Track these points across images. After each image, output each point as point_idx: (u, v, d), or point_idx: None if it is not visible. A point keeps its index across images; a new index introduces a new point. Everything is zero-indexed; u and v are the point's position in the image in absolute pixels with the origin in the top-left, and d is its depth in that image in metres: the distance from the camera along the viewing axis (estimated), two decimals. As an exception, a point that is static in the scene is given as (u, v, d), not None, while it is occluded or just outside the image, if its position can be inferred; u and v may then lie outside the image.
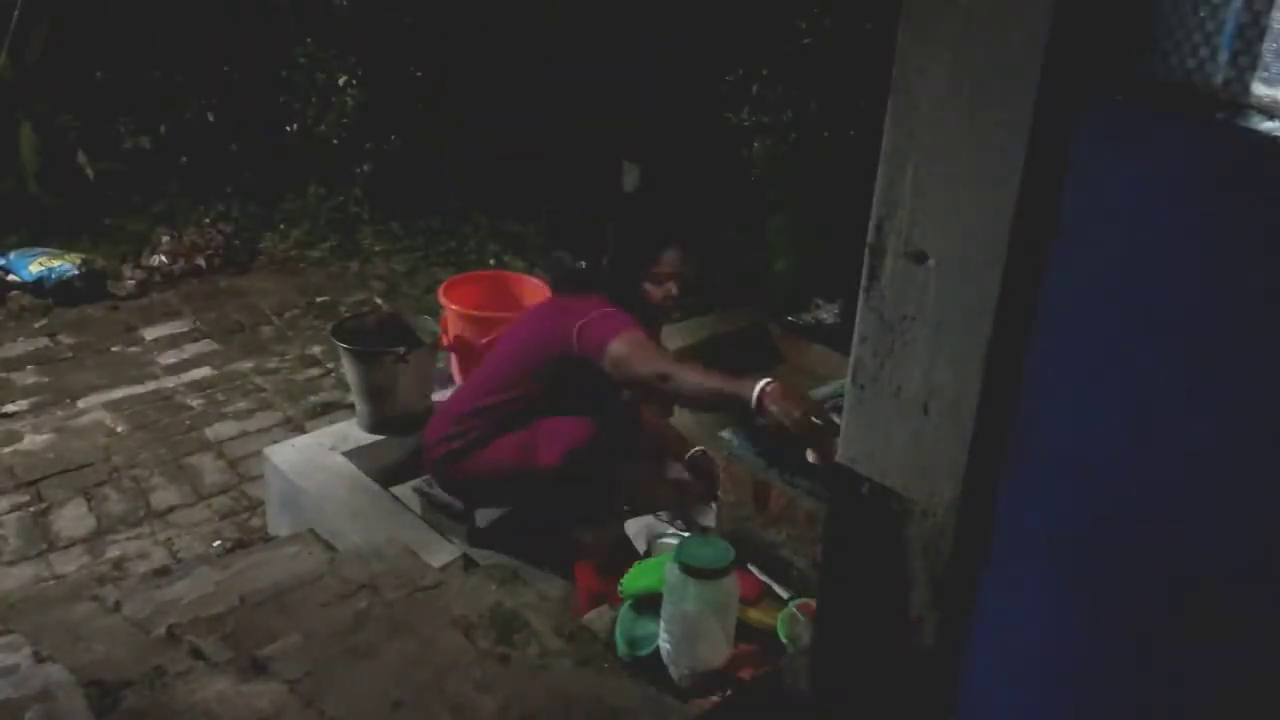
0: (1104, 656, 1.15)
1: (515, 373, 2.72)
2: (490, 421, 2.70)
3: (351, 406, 3.32)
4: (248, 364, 4.17)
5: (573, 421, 2.62)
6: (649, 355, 2.51)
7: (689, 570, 2.13)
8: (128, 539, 3.06)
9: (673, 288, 2.70)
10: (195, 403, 3.85)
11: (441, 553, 2.61)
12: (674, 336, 3.89)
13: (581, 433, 2.61)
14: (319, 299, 4.81)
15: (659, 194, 2.64)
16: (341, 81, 5.40)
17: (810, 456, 2.26)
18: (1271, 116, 0.96)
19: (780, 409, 2.25)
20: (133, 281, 4.76)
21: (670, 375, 2.45)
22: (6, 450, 3.47)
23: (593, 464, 2.62)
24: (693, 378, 2.46)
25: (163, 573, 2.61)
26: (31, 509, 3.17)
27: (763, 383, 2.30)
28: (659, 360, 2.52)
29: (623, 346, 2.48)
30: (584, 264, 2.78)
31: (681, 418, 3.26)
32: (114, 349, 4.25)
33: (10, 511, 3.15)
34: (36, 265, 4.60)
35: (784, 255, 4.06)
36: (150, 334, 4.39)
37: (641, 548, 2.66)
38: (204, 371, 4.09)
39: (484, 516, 2.87)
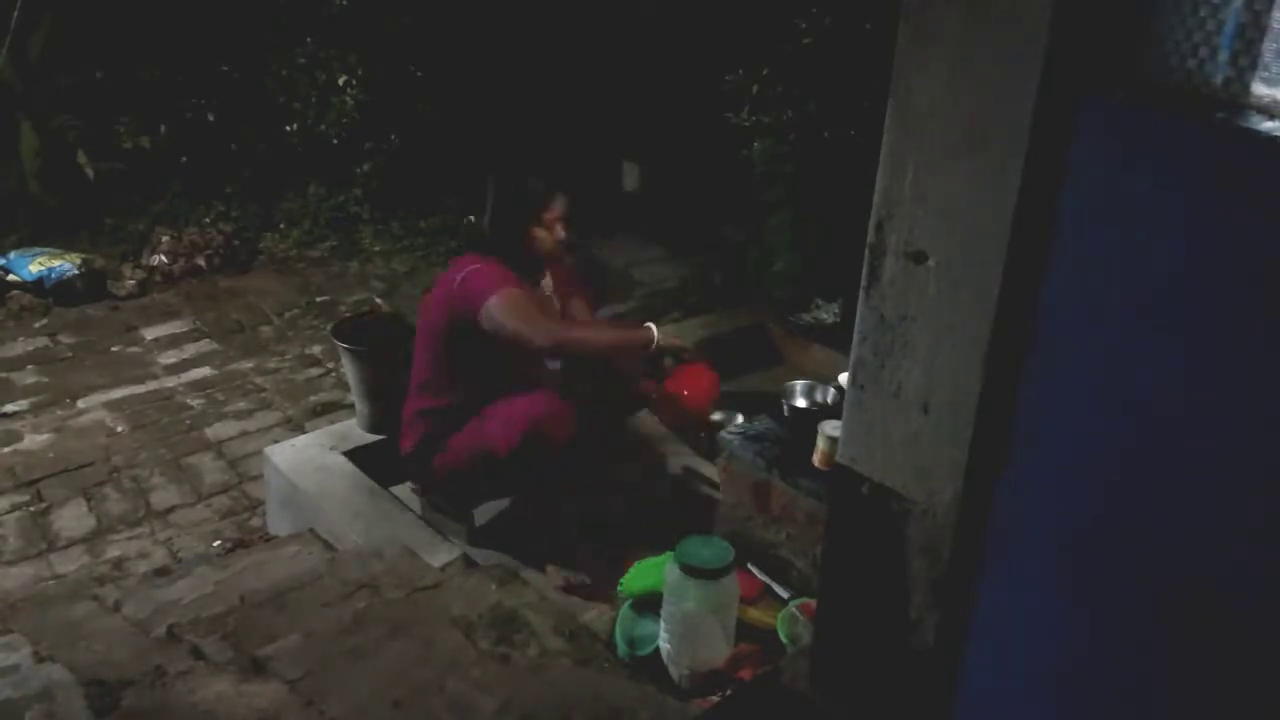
0: (1103, 656, 1.15)
1: (439, 368, 2.70)
2: (438, 424, 2.69)
3: (351, 406, 3.32)
4: (248, 364, 4.17)
5: (521, 399, 2.56)
6: (533, 319, 2.55)
7: (689, 570, 2.13)
8: (128, 539, 3.06)
9: (561, 230, 2.73)
10: (195, 403, 3.85)
11: (441, 553, 2.61)
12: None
13: (534, 408, 2.52)
14: (319, 299, 4.81)
15: (533, 140, 2.69)
16: (341, 81, 5.40)
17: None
18: (1271, 116, 0.96)
19: (669, 343, 2.71)
20: (133, 281, 4.76)
21: (565, 341, 2.61)
22: (6, 450, 3.47)
23: (558, 433, 2.52)
24: (588, 335, 2.73)
25: (163, 573, 2.61)
26: (31, 509, 3.17)
27: (651, 325, 2.71)
28: (546, 324, 2.59)
29: (496, 307, 2.51)
30: (471, 219, 2.74)
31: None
32: (114, 349, 4.26)
33: (10, 511, 3.15)
34: (36, 265, 4.60)
35: (784, 255, 4.05)
36: (150, 334, 4.39)
37: None
38: (204, 371, 4.09)
39: (483, 515, 2.87)
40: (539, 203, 2.71)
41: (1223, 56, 0.98)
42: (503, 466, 2.58)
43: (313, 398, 3.90)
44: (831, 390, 2.79)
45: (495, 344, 2.55)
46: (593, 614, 2.44)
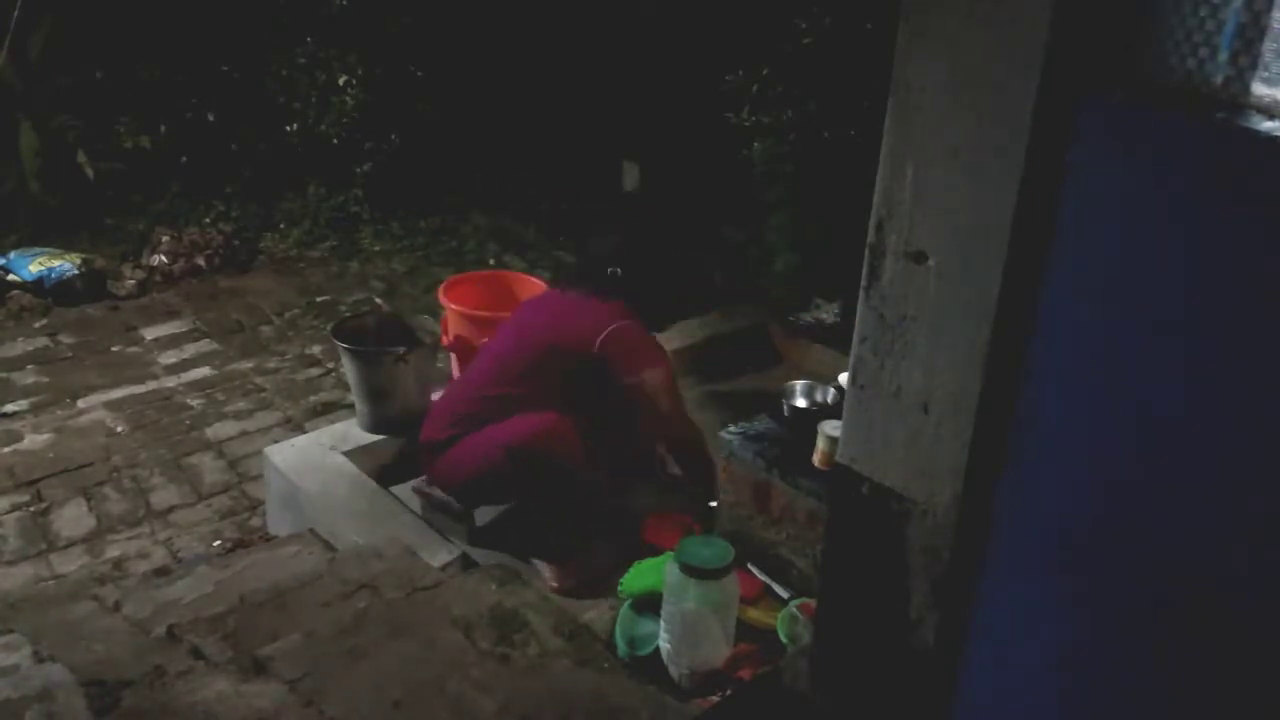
0: (1103, 656, 1.15)
1: (520, 368, 2.73)
2: (492, 412, 2.70)
3: (351, 406, 3.32)
4: (248, 364, 4.17)
5: (529, 417, 2.62)
6: (676, 397, 2.79)
7: (689, 570, 2.13)
8: (128, 539, 3.06)
9: None
10: (195, 403, 3.85)
11: (441, 553, 2.61)
12: (674, 336, 3.89)
13: (549, 422, 2.60)
14: (319, 299, 4.81)
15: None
16: (341, 81, 5.40)
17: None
18: (1271, 116, 0.96)
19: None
20: (133, 281, 4.76)
21: (687, 429, 2.84)
22: (6, 450, 3.47)
23: (558, 450, 2.60)
24: (693, 431, 2.87)
25: (163, 573, 2.61)
26: (31, 509, 3.17)
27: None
28: (681, 406, 2.84)
29: (658, 379, 2.71)
30: (617, 271, 2.87)
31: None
32: (114, 349, 4.25)
33: (10, 511, 3.15)
34: (36, 265, 4.60)
35: (784, 255, 4.06)
36: (150, 334, 4.39)
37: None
38: (204, 371, 4.09)
39: (484, 516, 2.87)
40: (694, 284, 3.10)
41: (1223, 56, 0.98)
42: (503, 477, 2.65)
43: (313, 398, 3.90)
44: (831, 390, 2.79)
45: (613, 391, 2.72)
46: (593, 614, 2.44)
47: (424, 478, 2.91)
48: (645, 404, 2.74)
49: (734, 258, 4.52)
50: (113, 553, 2.99)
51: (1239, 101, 0.98)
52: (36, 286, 4.55)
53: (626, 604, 2.39)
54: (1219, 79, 0.99)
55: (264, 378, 4.06)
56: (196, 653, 2.06)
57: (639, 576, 2.44)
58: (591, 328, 2.69)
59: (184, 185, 5.53)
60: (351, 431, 3.19)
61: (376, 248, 5.36)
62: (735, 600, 2.23)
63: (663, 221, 3.07)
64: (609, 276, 2.83)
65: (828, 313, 3.93)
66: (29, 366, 4.06)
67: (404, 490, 2.97)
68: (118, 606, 2.35)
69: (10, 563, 2.93)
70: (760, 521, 2.52)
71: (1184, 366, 1.01)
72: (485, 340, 3.17)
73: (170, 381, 4.00)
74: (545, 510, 2.72)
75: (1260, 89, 0.97)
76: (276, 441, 3.25)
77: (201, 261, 4.99)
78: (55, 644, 2.06)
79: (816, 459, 2.41)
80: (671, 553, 2.22)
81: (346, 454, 3.06)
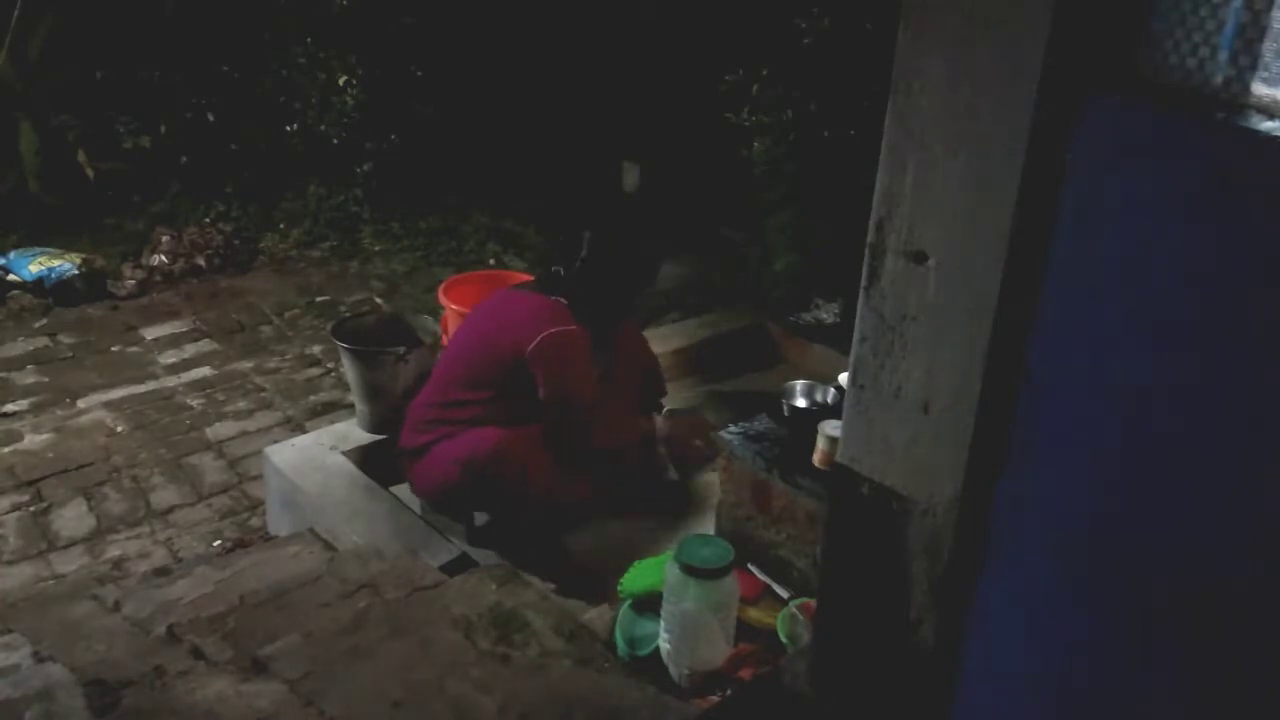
0: (1103, 656, 1.15)
1: (476, 375, 2.74)
2: (454, 420, 2.72)
3: (351, 406, 3.32)
4: (248, 364, 4.17)
5: (494, 431, 2.64)
6: (580, 419, 2.72)
7: (689, 570, 2.13)
8: (128, 539, 3.06)
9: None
10: (195, 403, 3.85)
11: (441, 553, 2.62)
12: (674, 337, 3.90)
13: (495, 438, 2.62)
14: (319, 299, 4.81)
15: (653, 202, 2.86)
16: (341, 81, 5.40)
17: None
18: (1271, 116, 0.96)
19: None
20: (133, 281, 4.76)
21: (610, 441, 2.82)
22: (6, 450, 3.47)
23: (510, 468, 2.61)
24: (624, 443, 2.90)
25: (163, 572, 2.61)
26: (31, 509, 3.17)
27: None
28: (595, 425, 2.76)
29: (571, 400, 2.68)
30: (560, 270, 2.79)
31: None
32: (114, 349, 4.25)
33: (10, 511, 3.15)
34: (36, 265, 4.60)
35: (784, 255, 4.05)
36: (150, 334, 4.39)
37: None
38: (204, 371, 4.09)
39: (483, 515, 2.87)
40: (652, 276, 2.88)
41: (1223, 56, 0.98)
42: (463, 493, 2.71)
43: (313, 398, 3.90)
44: (831, 390, 2.79)
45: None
46: (593, 614, 2.44)
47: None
48: (556, 416, 2.70)
49: (734, 258, 4.53)
50: (113, 553, 2.99)
51: (1239, 101, 0.98)
52: (36, 286, 4.55)
53: (626, 604, 2.39)
54: (1219, 79, 0.99)
55: (264, 378, 4.06)
56: (196, 653, 2.06)
57: (639, 576, 2.44)
58: (527, 334, 2.65)
59: (184, 185, 5.53)
60: (351, 431, 3.19)
61: (376, 248, 5.36)
62: (735, 600, 2.23)
63: (663, 221, 2.94)
64: (552, 274, 2.80)
65: (828, 313, 3.93)
66: (29, 366, 4.06)
67: (404, 490, 2.97)
68: (118, 606, 2.35)
69: (10, 563, 2.93)
70: (760, 521, 2.52)
71: (1184, 366, 1.01)
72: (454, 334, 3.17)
73: (170, 381, 4.00)
74: (517, 519, 2.74)
75: (1260, 89, 0.97)
76: (276, 441, 3.25)
77: (201, 261, 4.99)
78: (55, 644, 2.06)
79: (816, 459, 2.41)
80: (671, 553, 2.22)
81: (346, 454, 3.06)
